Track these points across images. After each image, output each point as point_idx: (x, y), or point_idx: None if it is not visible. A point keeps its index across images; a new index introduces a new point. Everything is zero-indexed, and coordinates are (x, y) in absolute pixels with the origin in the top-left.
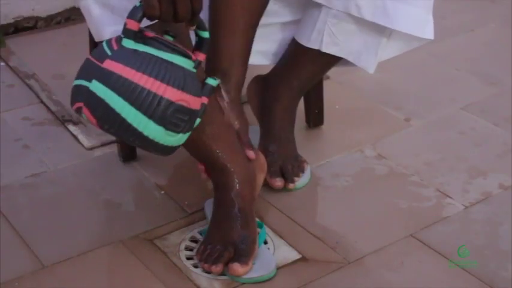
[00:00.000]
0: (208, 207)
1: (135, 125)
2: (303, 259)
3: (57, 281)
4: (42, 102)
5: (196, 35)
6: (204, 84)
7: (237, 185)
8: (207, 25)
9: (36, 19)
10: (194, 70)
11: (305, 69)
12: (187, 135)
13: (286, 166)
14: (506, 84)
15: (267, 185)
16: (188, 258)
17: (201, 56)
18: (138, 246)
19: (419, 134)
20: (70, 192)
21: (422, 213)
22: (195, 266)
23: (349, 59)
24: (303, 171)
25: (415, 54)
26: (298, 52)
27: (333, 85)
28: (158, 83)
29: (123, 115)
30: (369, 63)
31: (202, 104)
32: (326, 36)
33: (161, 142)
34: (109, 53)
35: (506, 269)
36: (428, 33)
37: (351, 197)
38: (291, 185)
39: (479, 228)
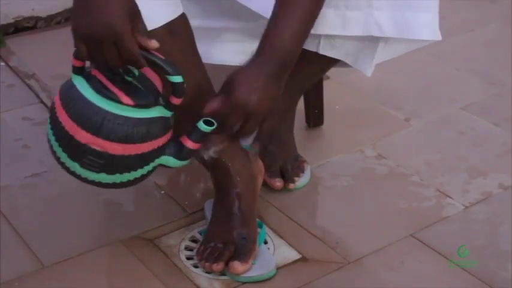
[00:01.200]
0: (208, 207)
1: (57, 153)
2: (303, 259)
3: (57, 281)
4: (42, 102)
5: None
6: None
7: (238, 185)
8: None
9: (36, 19)
10: (129, 115)
11: (303, 71)
12: (120, 175)
13: (286, 166)
14: (506, 84)
15: (267, 185)
16: (188, 258)
17: (176, 100)
18: (138, 246)
19: (419, 134)
20: (70, 192)
21: (422, 213)
22: (195, 266)
23: (347, 61)
24: (303, 171)
25: (415, 54)
26: None
27: (333, 85)
28: (71, 122)
29: (51, 141)
30: (366, 65)
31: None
32: (323, 39)
33: (84, 176)
34: (70, 82)
35: (506, 269)
36: (439, 34)
37: (351, 197)
38: (291, 185)
39: (479, 228)
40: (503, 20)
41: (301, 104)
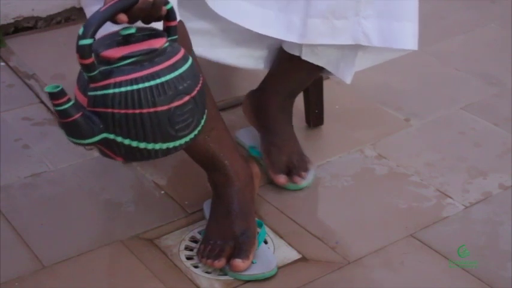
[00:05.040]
0: (207, 207)
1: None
2: (303, 259)
3: (57, 281)
4: (42, 102)
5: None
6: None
7: (236, 183)
8: None
9: (36, 19)
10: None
11: (291, 76)
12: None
13: (293, 161)
14: (506, 84)
15: (266, 185)
16: (188, 258)
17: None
18: (138, 246)
19: (419, 134)
20: (70, 192)
21: (422, 213)
22: (195, 266)
23: (328, 68)
24: (306, 171)
25: (415, 54)
26: (284, 59)
27: (333, 85)
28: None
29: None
30: (346, 73)
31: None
32: (304, 46)
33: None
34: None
35: (506, 269)
36: (417, 44)
37: (351, 197)
38: (298, 179)
39: (479, 228)
40: (503, 20)
41: (301, 104)
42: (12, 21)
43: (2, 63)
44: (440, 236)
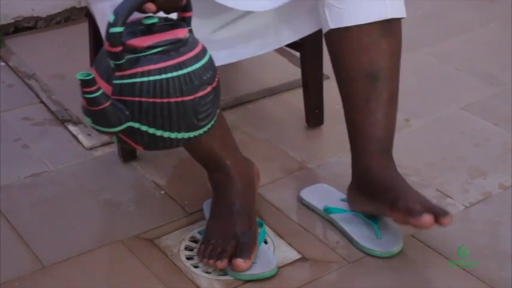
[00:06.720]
0: (207, 207)
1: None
2: (303, 259)
3: (57, 281)
4: (42, 102)
5: None
6: None
7: (238, 183)
8: None
9: (36, 19)
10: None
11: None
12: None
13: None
14: (506, 84)
15: (266, 185)
16: (188, 258)
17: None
18: (138, 246)
19: (419, 134)
20: (70, 192)
21: None
22: (195, 266)
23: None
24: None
25: (415, 54)
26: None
27: (333, 85)
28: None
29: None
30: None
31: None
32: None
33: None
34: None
35: (506, 269)
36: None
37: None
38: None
39: (479, 228)
40: (503, 20)
41: (301, 104)
42: (12, 21)
43: (2, 63)
44: (440, 236)
